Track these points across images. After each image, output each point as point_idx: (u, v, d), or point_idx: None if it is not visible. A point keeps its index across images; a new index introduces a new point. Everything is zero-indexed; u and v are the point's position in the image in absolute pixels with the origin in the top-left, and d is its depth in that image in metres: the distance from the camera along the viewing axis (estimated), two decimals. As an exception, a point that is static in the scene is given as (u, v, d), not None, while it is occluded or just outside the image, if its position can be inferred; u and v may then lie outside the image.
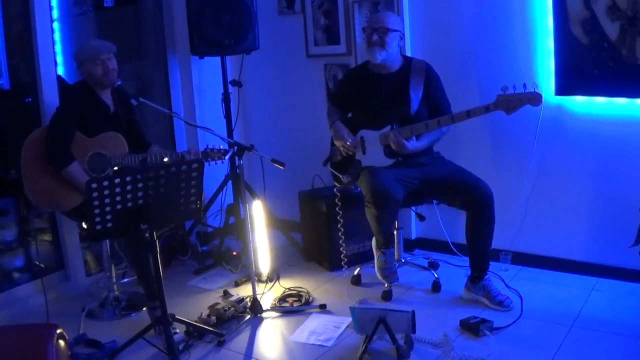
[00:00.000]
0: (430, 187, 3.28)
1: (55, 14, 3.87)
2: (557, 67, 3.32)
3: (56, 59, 3.76)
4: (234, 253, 4.05)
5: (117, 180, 2.55)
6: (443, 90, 3.38)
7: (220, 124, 4.03)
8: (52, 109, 3.18)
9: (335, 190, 3.66)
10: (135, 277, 3.40)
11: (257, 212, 3.48)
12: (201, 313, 3.18)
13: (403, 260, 3.68)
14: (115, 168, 3.13)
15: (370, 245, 3.45)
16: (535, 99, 2.93)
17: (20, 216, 3.73)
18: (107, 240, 3.37)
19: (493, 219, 3.16)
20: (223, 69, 4.06)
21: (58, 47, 3.92)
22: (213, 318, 3.12)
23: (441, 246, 3.90)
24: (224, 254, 4.04)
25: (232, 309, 3.20)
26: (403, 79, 3.31)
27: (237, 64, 4.37)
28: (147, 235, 2.70)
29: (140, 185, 2.62)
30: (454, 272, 3.60)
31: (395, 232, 3.54)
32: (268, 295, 3.49)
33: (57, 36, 3.92)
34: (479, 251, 3.22)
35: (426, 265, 3.71)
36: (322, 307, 3.28)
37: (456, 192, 3.20)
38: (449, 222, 3.81)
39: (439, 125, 3.19)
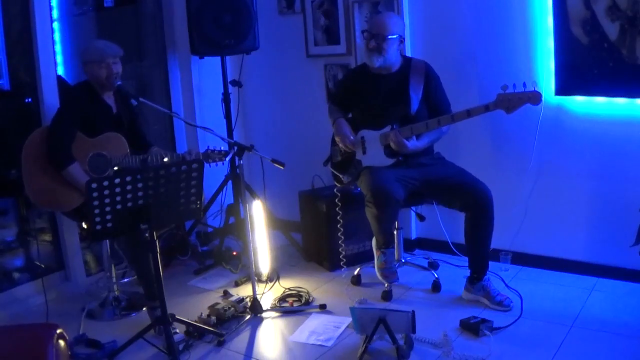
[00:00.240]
0: (430, 188, 3.28)
1: (55, 14, 3.87)
2: (557, 67, 3.32)
3: (56, 59, 3.76)
4: (234, 253, 4.05)
5: (117, 181, 2.55)
6: (443, 89, 3.38)
7: (220, 124, 4.03)
8: (52, 109, 3.19)
9: (335, 190, 3.66)
10: (135, 277, 3.40)
11: (257, 212, 3.48)
12: (201, 313, 3.18)
13: (403, 260, 3.68)
14: (116, 168, 3.13)
15: (370, 245, 3.45)
16: (535, 98, 2.93)
17: (20, 216, 3.73)
18: (107, 240, 3.37)
19: (492, 222, 3.16)
20: (223, 69, 4.06)
21: (58, 47, 3.92)
22: (213, 318, 3.12)
23: (441, 246, 3.90)
24: (224, 254, 4.04)
25: (232, 309, 3.20)
26: (403, 79, 3.31)
27: (237, 64, 4.36)
28: (147, 235, 2.70)
29: (140, 185, 2.62)
30: (454, 272, 3.60)
31: (395, 232, 3.54)
32: (268, 295, 3.49)
33: (57, 36, 3.92)
34: (478, 253, 3.22)
35: (426, 265, 3.71)
36: (322, 307, 3.28)
37: (455, 194, 3.20)
38: (449, 222, 3.81)
39: (439, 125, 3.19)
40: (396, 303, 3.29)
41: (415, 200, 3.42)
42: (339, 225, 3.61)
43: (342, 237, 3.64)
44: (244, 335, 3.07)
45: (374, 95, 3.36)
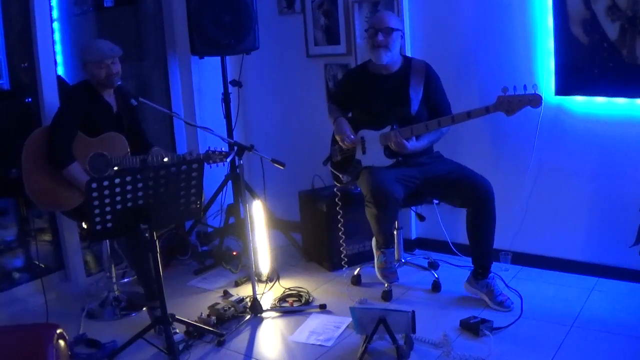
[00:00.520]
0: (431, 186, 3.28)
1: (55, 14, 3.87)
2: (557, 67, 3.32)
3: (56, 59, 3.76)
4: (234, 253, 4.06)
5: (117, 180, 2.55)
6: (443, 90, 3.38)
7: (220, 124, 4.03)
8: (52, 109, 3.18)
9: (335, 190, 3.66)
10: (135, 277, 3.40)
11: (257, 212, 3.48)
12: (201, 313, 3.18)
13: (403, 260, 3.68)
14: (116, 168, 3.13)
15: (370, 245, 3.45)
16: (535, 100, 2.93)
17: (20, 216, 3.73)
18: (107, 240, 3.37)
19: (494, 215, 3.15)
20: (223, 69, 4.06)
21: (58, 47, 3.92)
22: (213, 318, 3.12)
23: (441, 246, 3.90)
24: (224, 254, 4.04)
25: (232, 309, 3.20)
26: (403, 79, 3.31)
27: (237, 64, 4.37)
28: (147, 235, 2.71)
29: (140, 185, 2.62)
30: (454, 272, 3.60)
31: (395, 232, 3.54)
32: (268, 295, 3.49)
33: (57, 36, 3.92)
34: (481, 248, 3.21)
35: (426, 265, 3.71)
36: (322, 307, 3.28)
37: (456, 189, 3.20)
38: (449, 222, 3.81)
39: (439, 126, 3.19)
40: (396, 303, 3.29)
41: (415, 200, 3.42)
42: (339, 225, 3.61)
43: (342, 237, 3.64)
44: (244, 335, 3.07)
45: (374, 95, 3.35)
